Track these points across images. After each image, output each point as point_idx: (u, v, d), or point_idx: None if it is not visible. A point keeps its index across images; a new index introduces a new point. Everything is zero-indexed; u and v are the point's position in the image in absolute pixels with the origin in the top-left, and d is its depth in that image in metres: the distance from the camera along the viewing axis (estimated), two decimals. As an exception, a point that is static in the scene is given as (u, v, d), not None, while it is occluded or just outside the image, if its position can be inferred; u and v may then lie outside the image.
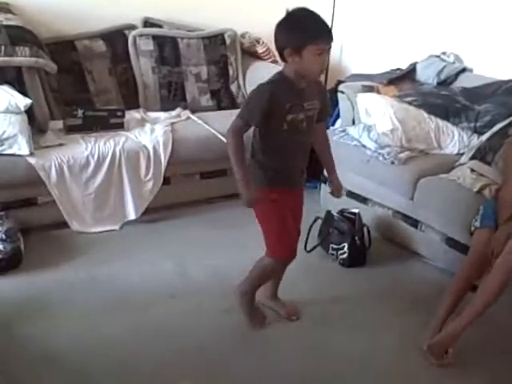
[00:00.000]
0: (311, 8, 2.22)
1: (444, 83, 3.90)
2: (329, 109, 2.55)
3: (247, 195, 2.29)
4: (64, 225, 3.35)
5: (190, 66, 4.15)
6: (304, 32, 2.17)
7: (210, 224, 3.55)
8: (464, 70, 3.93)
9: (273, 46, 4.22)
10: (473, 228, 2.76)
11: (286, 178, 2.41)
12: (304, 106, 2.29)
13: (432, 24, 4.12)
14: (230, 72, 4.30)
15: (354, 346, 2.59)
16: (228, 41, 4.28)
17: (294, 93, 2.27)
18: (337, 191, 2.61)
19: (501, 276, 2.37)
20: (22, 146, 3.13)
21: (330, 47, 2.22)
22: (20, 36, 3.42)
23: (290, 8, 2.21)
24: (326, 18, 2.25)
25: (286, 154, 2.37)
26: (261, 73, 4.09)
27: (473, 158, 3.21)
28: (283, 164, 2.39)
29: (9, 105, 3.14)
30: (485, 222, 2.68)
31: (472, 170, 3.09)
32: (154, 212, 3.57)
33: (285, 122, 2.26)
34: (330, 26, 2.24)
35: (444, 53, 4.04)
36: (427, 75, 3.97)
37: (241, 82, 4.34)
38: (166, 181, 3.57)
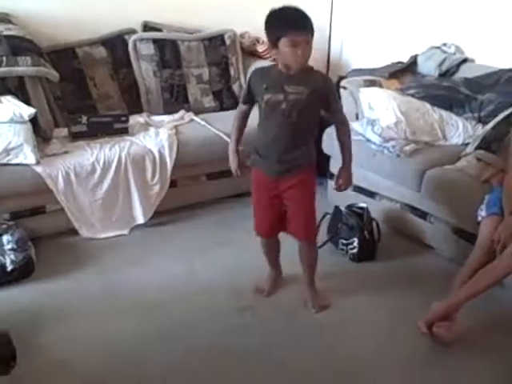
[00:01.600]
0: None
1: (446, 74, 3.89)
2: (333, 103, 2.47)
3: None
4: (73, 232, 3.36)
5: (191, 68, 4.16)
6: (276, 26, 2.28)
7: (219, 224, 3.57)
8: (465, 60, 3.91)
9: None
10: (479, 218, 2.75)
11: (260, 158, 2.54)
12: (285, 89, 2.35)
13: (432, 15, 4.12)
14: (232, 72, 4.30)
15: (365, 341, 2.60)
16: (228, 41, 4.29)
17: (276, 76, 2.39)
18: (338, 186, 2.64)
19: (506, 268, 2.39)
20: (27, 155, 3.14)
21: (307, 39, 2.24)
22: (21, 46, 3.43)
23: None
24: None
25: (263, 133, 2.51)
26: (262, 72, 4.10)
27: (478, 147, 3.20)
28: (261, 142, 2.54)
29: (13, 115, 3.15)
30: (490, 210, 2.69)
31: (478, 160, 3.10)
32: (161, 215, 3.58)
33: (262, 100, 2.41)
34: (306, 18, 2.25)
35: (445, 44, 4.02)
36: (429, 67, 3.96)
37: (242, 82, 4.33)
38: (173, 183, 3.58)
